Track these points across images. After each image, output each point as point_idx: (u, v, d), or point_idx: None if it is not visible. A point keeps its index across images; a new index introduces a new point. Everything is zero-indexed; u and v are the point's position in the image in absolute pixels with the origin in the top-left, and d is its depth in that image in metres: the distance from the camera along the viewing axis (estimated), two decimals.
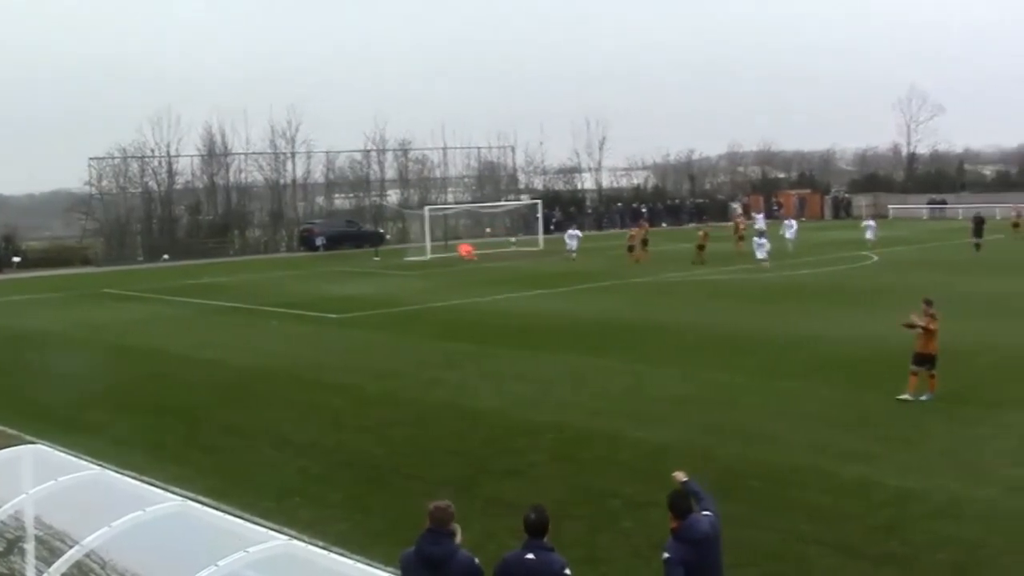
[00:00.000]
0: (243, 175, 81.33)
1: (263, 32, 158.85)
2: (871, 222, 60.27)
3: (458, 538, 8.57)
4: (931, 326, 19.46)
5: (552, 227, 79.88)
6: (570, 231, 60.17)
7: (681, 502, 8.93)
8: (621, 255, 52.32)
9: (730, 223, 71.67)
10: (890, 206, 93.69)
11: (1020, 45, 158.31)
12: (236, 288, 47.88)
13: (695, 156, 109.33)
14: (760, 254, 47.65)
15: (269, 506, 14.63)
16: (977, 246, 51.72)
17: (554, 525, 8.65)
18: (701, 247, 50.76)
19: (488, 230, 78.56)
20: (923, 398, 19.18)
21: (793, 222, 59.25)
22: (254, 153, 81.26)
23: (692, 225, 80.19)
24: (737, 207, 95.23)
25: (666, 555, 8.66)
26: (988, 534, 12.63)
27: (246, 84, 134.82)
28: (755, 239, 49.75)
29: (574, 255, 55.73)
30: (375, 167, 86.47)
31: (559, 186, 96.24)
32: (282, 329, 33.29)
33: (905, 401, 19.19)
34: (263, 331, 33.05)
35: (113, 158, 76.50)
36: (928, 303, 19.77)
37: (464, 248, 61.55)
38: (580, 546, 12.00)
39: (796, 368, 23.38)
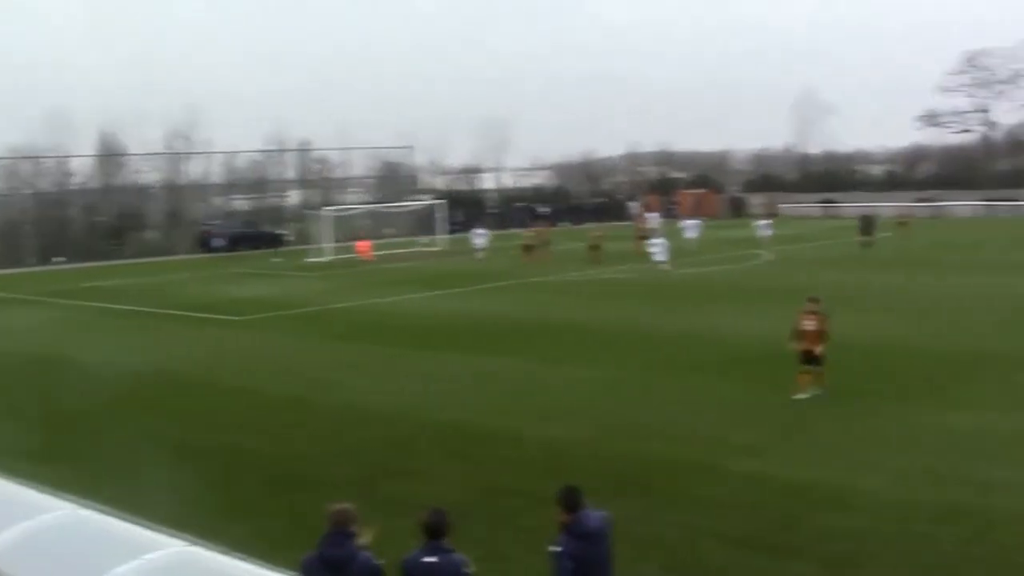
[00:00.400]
0: (139, 175, 79.98)
1: (163, 32, 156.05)
2: (765, 221, 60.80)
3: (367, 540, 8.58)
4: (822, 326, 19.80)
5: (454, 228, 79.93)
6: (476, 230, 59.91)
7: (571, 497, 8.97)
8: (521, 255, 52.51)
9: (627, 223, 72.65)
10: (783, 205, 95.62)
11: (908, 50, 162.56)
12: (132, 291, 46.98)
13: (595, 156, 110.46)
14: (658, 256, 46.79)
15: (166, 512, 14.39)
16: (866, 244, 52.98)
17: (455, 524, 8.69)
18: (595, 247, 51.18)
19: (390, 231, 78.29)
20: (807, 395, 19.50)
21: (695, 222, 59.60)
22: (151, 154, 79.92)
23: (592, 225, 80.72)
24: (636, 206, 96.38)
25: (556, 549, 8.70)
26: (876, 524, 12.99)
27: (144, 83, 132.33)
28: (647, 241, 49.46)
29: (481, 254, 55.57)
30: (275, 168, 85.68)
31: (461, 186, 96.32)
32: (179, 332, 32.79)
33: (800, 400, 19.46)
34: (163, 335, 32.51)
35: (3, 159, 74.61)
36: (814, 301, 20.07)
37: (361, 246, 61.23)
38: (481, 545, 12.04)
39: (692, 365, 23.77)
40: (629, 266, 48.02)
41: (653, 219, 66.58)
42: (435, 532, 8.51)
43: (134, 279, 53.27)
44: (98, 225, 76.81)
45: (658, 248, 47.22)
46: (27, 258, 71.52)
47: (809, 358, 19.61)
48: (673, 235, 56.01)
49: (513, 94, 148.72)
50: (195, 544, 9.37)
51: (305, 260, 60.16)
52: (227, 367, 25.96)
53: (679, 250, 52.26)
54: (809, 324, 19.59)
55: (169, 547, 8.13)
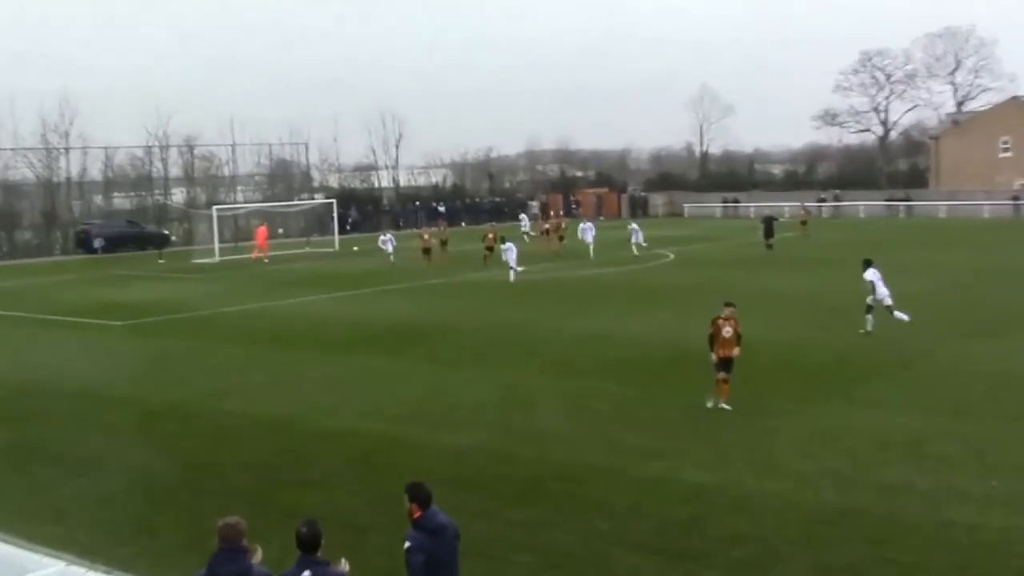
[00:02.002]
0: (12, 172, 77.96)
1: (34, 18, 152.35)
2: (634, 225, 57.60)
3: (258, 557, 8.51)
4: (737, 329, 19.90)
5: (348, 227, 79.51)
6: (383, 237, 56.45)
7: (423, 492, 9.19)
8: (419, 257, 52.46)
9: (521, 222, 73.22)
10: (686, 204, 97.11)
11: (807, 50, 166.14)
12: (5, 295, 45.83)
13: (494, 154, 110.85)
14: (511, 262, 43.39)
15: (45, 531, 14.13)
16: (769, 246, 54.00)
17: (355, 536, 8.73)
18: (490, 248, 51.10)
19: (281, 231, 77.56)
20: (724, 406, 19.42)
21: (591, 224, 57.98)
22: (23, 148, 77.97)
23: (489, 224, 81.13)
24: (535, 205, 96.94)
25: (407, 544, 8.91)
26: (781, 527, 13.31)
27: (13, 70, 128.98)
28: (502, 246, 45.48)
29: (392, 258, 53.25)
30: (158, 164, 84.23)
31: (355, 184, 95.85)
32: (57, 338, 32.12)
33: (719, 409, 19.35)
34: (37, 341, 31.80)
35: None
36: (731, 305, 19.98)
37: (260, 234, 60.67)
38: (383, 556, 12.06)
39: (590, 367, 24.10)
40: (530, 267, 48.28)
41: (524, 221, 67.17)
42: (309, 545, 8.54)
43: (6, 282, 51.95)
44: None
45: (511, 254, 43.74)
46: None
47: (727, 364, 19.62)
48: (572, 235, 56.58)
49: (409, 89, 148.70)
50: (76, 564, 9.27)
51: (192, 261, 59.34)
52: (109, 375, 25.48)
53: (575, 252, 52.82)
54: (728, 330, 19.63)
55: (50, 567, 8.02)
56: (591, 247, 54.17)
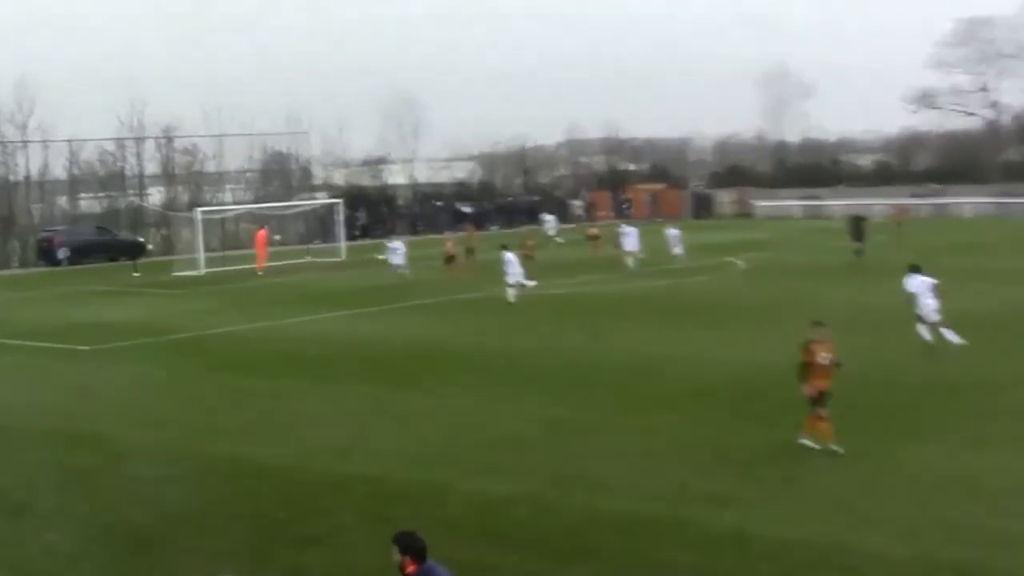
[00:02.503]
0: None
1: None
2: (674, 230, 56.43)
3: None
4: (835, 354, 19.40)
5: (357, 232, 79.64)
6: (392, 243, 54.68)
7: (414, 542, 9.36)
8: (441, 267, 52.47)
9: (570, 225, 73.11)
10: (757, 203, 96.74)
11: (896, 18, 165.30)
12: None
13: (529, 144, 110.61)
14: (512, 278, 41.81)
15: None
16: (858, 252, 53.56)
17: None
18: (529, 257, 50.98)
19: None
20: (829, 447, 19.01)
21: (632, 229, 56.09)
22: None
23: (528, 227, 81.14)
24: (578, 205, 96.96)
25: None
26: None
27: None
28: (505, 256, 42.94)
29: (403, 272, 51.92)
30: (132, 160, 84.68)
31: (364, 181, 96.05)
32: (14, 366, 32.29)
33: (828, 450, 18.99)
34: None
35: None
36: (821, 325, 19.59)
37: (260, 238, 61.02)
38: None
39: (648, 400, 23.97)
40: (575, 279, 48.19)
41: (550, 222, 67.10)
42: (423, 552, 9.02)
43: None
44: None
45: (513, 270, 42.04)
46: None
47: (823, 398, 19.16)
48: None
49: (426, 71, 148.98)
50: None
51: (173, 274, 59.55)
52: (78, 411, 25.57)
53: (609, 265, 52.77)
54: (825, 357, 19.20)
55: None
56: (633, 257, 53.46)
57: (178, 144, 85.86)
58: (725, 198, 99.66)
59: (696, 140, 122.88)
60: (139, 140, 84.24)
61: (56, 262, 70.01)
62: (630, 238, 54.56)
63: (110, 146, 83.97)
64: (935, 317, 27.75)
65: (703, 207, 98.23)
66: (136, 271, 62.56)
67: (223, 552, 15.26)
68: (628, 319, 36.34)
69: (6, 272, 70.80)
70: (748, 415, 21.93)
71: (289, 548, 15.49)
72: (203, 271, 60.07)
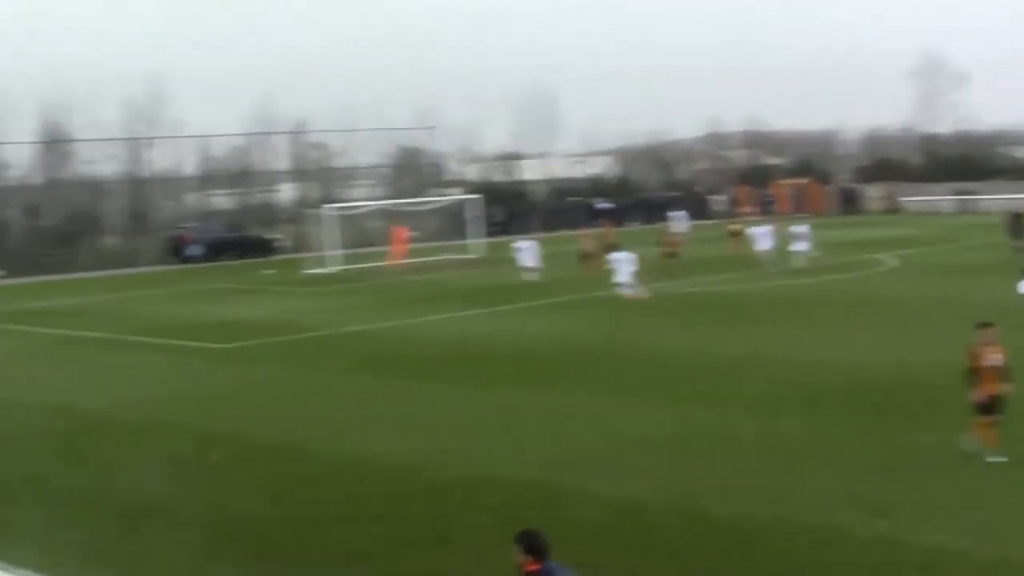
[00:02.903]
0: (93, 167, 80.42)
1: None
2: (801, 227, 54.05)
3: None
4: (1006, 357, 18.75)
5: (495, 228, 79.83)
6: (520, 244, 54.45)
7: (536, 541, 9.45)
8: (577, 264, 52.46)
9: (711, 221, 72.49)
10: (906, 198, 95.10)
11: None
12: (87, 312, 47.35)
13: (668, 138, 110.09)
14: (620, 277, 41.77)
15: None
16: (1018, 249, 52.28)
17: None
18: (671, 254, 50.68)
19: (416, 233, 78.56)
20: (1000, 457, 18.31)
21: (765, 229, 55.09)
22: (106, 139, 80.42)
23: (666, 224, 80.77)
24: (719, 200, 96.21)
25: None
26: None
27: (94, 50, 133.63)
28: (614, 255, 43.60)
29: (533, 275, 51.47)
30: (262, 156, 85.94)
31: (498, 177, 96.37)
32: (145, 364, 32.97)
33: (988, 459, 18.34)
34: (127, 367, 32.69)
35: None
36: (988, 326, 18.78)
37: (399, 236, 61.62)
38: None
39: (793, 400, 23.65)
40: (718, 276, 47.85)
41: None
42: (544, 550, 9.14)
43: (89, 297, 53.75)
44: (42, 230, 77.35)
45: (623, 267, 42.08)
46: None
47: (994, 404, 18.39)
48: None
49: (562, 64, 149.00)
50: None
51: (303, 272, 60.39)
52: (209, 408, 26.08)
53: (743, 263, 52.16)
54: (994, 359, 18.58)
55: None
56: (767, 255, 52.44)
57: (309, 139, 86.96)
58: (873, 193, 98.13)
59: (842, 133, 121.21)
60: (270, 135, 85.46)
61: (186, 259, 71.44)
62: (763, 237, 54.04)
63: (240, 142, 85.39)
64: None
65: (849, 202, 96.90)
66: (267, 269, 63.58)
67: (356, 551, 15.39)
68: (768, 318, 35.94)
69: (137, 270, 72.43)
70: (900, 418, 21.48)
71: (423, 549, 15.55)
72: (334, 269, 60.76)
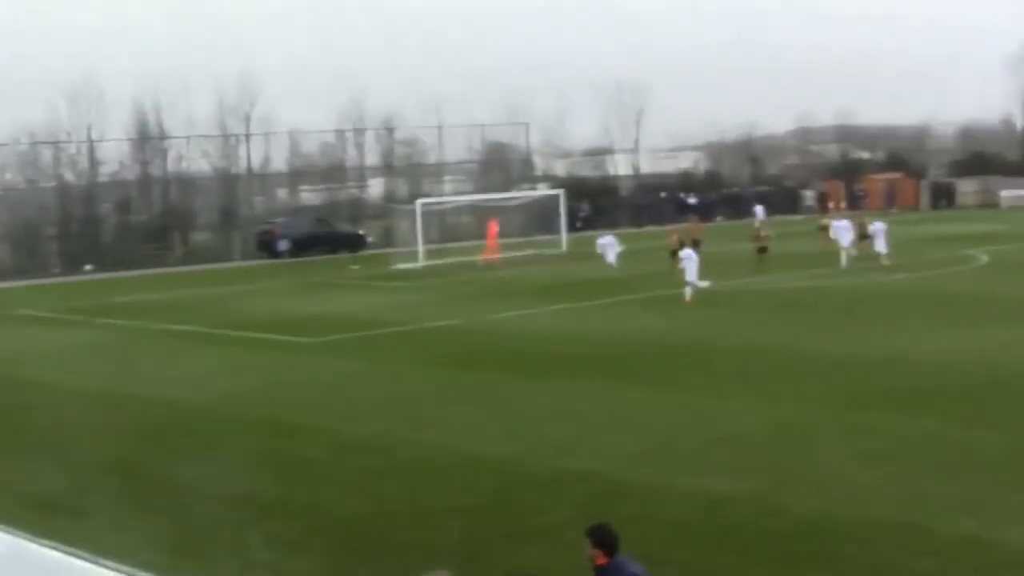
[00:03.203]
0: (185, 163, 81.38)
1: None
2: (879, 224, 51.67)
3: None
4: None
5: (579, 223, 79.82)
6: (603, 239, 55.47)
7: (610, 536, 9.58)
8: (664, 259, 52.29)
9: (801, 216, 71.87)
10: (1003, 193, 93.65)
11: None
12: (178, 306, 47.95)
13: (757, 133, 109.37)
14: (689, 276, 40.84)
15: None
16: None
17: None
18: (762, 249, 50.43)
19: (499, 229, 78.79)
20: None
21: (844, 222, 53.39)
22: (198, 136, 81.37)
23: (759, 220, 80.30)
24: (809, 195, 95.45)
25: None
26: None
27: (186, 46, 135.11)
28: (682, 253, 43.16)
29: (615, 267, 52.98)
30: (352, 151, 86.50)
31: (586, 172, 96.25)
32: (235, 358, 33.40)
33: None
34: (216, 361, 33.13)
35: (19, 144, 76.54)
36: None
37: (492, 230, 61.81)
38: None
39: (881, 398, 23.50)
40: (805, 272, 47.51)
41: (759, 212, 65.45)
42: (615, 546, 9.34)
43: (180, 291, 54.42)
44: (135, 225, 78.41)
45: (691, 266, 41.12)
46: (51, 266, 73.41)
47: None
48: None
49: (649, 58, 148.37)
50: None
51: (392, 267, 60.75)
52: (296, 401, 26.37)
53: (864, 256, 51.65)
54: None
55: None
56: (847, 252, 50.81)
57: (398, 135, 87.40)
58: (967, 188, 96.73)
59: (936, 127, 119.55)
60: (359, 132, 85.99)
61: (276, 254, 72.06)
62: (844, 232, 52.45)
63: (330, 138, 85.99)
64: None
65: (943, 197, 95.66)
66: (356, 263, 64.04)
67: (440, 546, 15.55)
68: (856, 315, 35.67)
69: (228, 264, 73.21)
70: (988, 416, 21.30)
71: (506, 544, 15.67)
72: (422, 264, 61.05)
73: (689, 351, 30.38)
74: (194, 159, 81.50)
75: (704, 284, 41.29)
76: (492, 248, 62.16)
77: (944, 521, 15.59)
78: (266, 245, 74.01)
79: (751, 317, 36.14)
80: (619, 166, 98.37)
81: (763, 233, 52.69)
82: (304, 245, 73.34)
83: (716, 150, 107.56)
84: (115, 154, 79.48)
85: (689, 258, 41.19)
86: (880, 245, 49.97)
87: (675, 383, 26.13)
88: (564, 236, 69.17)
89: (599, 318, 37.55)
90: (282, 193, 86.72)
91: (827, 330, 32.66)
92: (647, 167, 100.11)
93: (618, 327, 35.28)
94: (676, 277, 47.22)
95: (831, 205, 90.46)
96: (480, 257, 61.50)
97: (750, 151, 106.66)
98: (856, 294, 40.85)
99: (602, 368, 28.58)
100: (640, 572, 9.56)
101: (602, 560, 9.45)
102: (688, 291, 40.10)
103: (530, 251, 66.02)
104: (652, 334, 33.55)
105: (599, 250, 53.98)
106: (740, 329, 33.70)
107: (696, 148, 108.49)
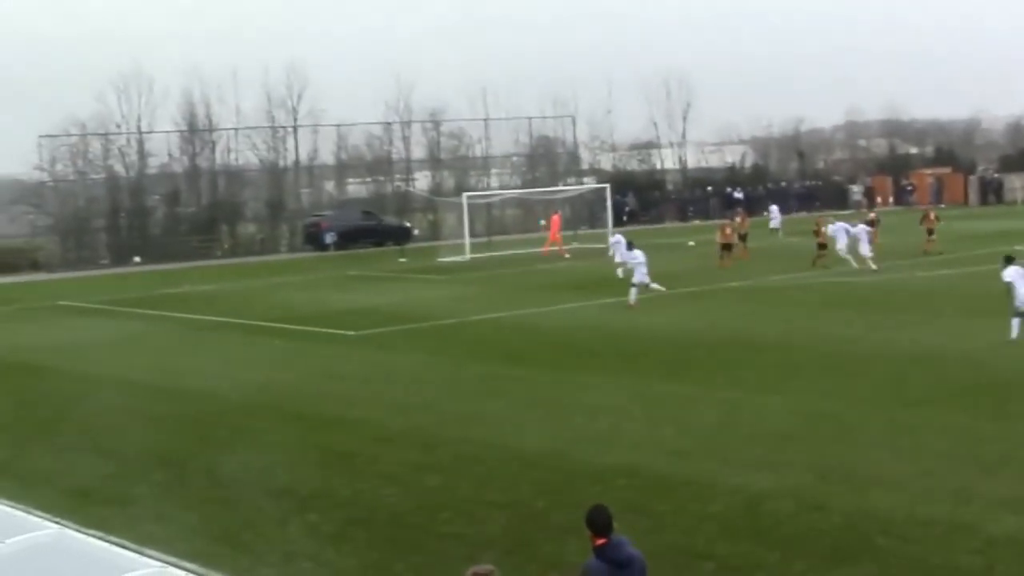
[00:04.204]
0: (233, 155, 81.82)
1: None
2: (862, 227, 49.60)
3: None
4: None
5: (625, 217, 79.75)
6: (612, 239, 52.26)
7: (603, 518, 9.87)
8: (710, 254, 52.11)
9: (849, 211, 71.38)
10: None
11: None
12: (226, 298, 48.26)
13: (805, 127, 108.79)
14: (637, 277, 39.25)
15: (269, 573, 14.81)
16: None
17: None
18: (822, 245, 49.21)
19: (543, 222, 78.63)
20: None
21: (839, 224, 50.04)
22: (247, 128, 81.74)
23: (804, 214, 79.89)
24: (859, 191, 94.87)
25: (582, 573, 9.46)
26: None
27: (235, 39, 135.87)
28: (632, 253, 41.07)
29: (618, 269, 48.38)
30: (399, 144, 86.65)
31: (632, 166, 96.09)
32: (284, 350, 33.56)
33: None
34: (260, 353, 33.32)
35: (69, 136, 77.03)
36: None
37: (555, 223, 61.95)
38: None
39: (924, 393, 23.44)
40: (849, 266, 47.22)
41: (774, 213, 65.41)
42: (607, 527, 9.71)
43: (228, 284, 54.77)
44: (183, 217, 78.86)
45: (639, 267, 39.73)
46: (99, 258, 73.96)
47: None
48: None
49: (696, 52, 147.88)
50: (174, 566, 10.01)
51: (438, 260, 60.87)
52: (342, 394, 26.48)
53: (898, 251, 51.30)
54: None
55: (145, 568, 9.03)
56: (869, 255, 47.70)
57: (445, 128, 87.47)
58: (1017, 183, 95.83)
59: (985, 122, 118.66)
60: (406, 124, 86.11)
61: (323, 247, 72.33)
62: (838, 232, 49.30)
63: (377, 131, 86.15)
64: None
65: (992, 193, 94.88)
66: (402, 256, 64.17)
67: (481, 540, 15.58)
68: (897, 310, 35.38)
69: (275, 256, 73.61)
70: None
71: (547, 538, 15.69)
72: (468, 257, 61.11)
73: (730, 346, 30.24)
74: (242, 151, 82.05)
75: (656, 287, 40.21)
76: (555, 241, 62.20)
77: (988, 519, 15.49)
78: (313, 238, 74.33)
79: (796, 312, 35.94)
80: (665, 160, 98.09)
81: (727, 231, 51.67)
82: (351, 238, 73.61)
83: (763, 144, 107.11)
84: (164, 146, 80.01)
85: (638, 259, 39.77)
86: (864, 249, 47.90)
87: (717, 378, 26.03)
88: (610, 230, 69.09)
89: (642, 312, 37.44)
90: (329, 186, 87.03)
91: (868, 325, 32.42)
92: (693, 161, 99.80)
93: (661, 321, 35.20)
94: (723, 272, 47.19)
95: (879, 200, 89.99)
96: (543, 249, 61.53)
97: (797, 146, 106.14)
98: (898, 289, 40.58)
99: (646, 363, 28.53)
100: (635, 554, 9.81)
101: (600, 541, 9.73)
102: (633, 293, 39.02)
103: (576, 245, 65.99)
104: (694, 328, 33.48)
105: (610, 250, 52.07)
106: (785, 324, 33.55)
107: (743, 142, 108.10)
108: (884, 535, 15.06)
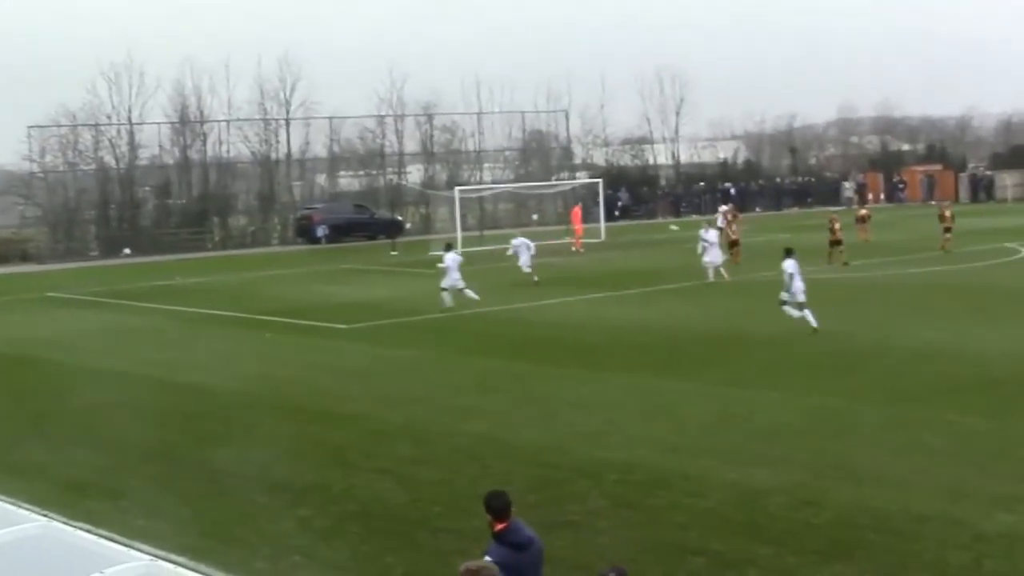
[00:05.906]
0: (225, 147, 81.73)
1: None
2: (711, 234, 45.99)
3: None
4: None
5: (617, 212, 79.77)
6: (515, 240, 48.57)
7: (499, 501, 10.04)
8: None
9: (840, 208, 71.39)
10: None
11: None
12: (217, 291, 48.21)
13: (797, 123, 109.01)
14: (447, 282, 38.67)
15: (262, 567, 14.78)
16: None
17: None
18: (837, 241, 48.72)
19: (535, 216, 78.57)
20: None
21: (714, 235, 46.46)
22: (238, 120, 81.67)
23: (796, 210, 79.99)
24: (849, 187, 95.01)
25: (487, 559, 9.45)
26: None
27: (226, 31, 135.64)
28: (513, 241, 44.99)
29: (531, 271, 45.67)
30: (391, 137, 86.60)
31: (625, 161, 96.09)
32: (276, 343, 33.52)
33: None
34: (252, 346, 33.29)
35: (59, 126, 76.94)
36: None
37: (576, 216, 61.99)
38: None
39: (920, 390, 23.43)
40: (851, 262, 47.28)
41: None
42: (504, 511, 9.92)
43: (218, 276, 54.76)
44: (174, 209, 78.75)
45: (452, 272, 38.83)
46: (89, 250, 73.85)
47: None
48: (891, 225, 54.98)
49: (691, 44, 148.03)
50: (163, 559, 10.02)
51: (430, 253, 60.74)
52: (334, 388, 26.46)
53: (892, 246, 51.30)
54: None
55: (134, 561, 9.02)
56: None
57: (438, 121, 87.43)
58: (1007, 180, 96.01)
59: (976, 119, 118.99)
60: (399, 117, 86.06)
61: (315, 240, 72.34)
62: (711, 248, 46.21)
63: (370, 123, 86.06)
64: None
65: (982, 190, 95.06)
66: (394, 250, 64.15)
67: (475, 534, 15.55)
68: (894, 306, 35.52)
69: (267, 249, 73.60)
70: (1021, 408, 21.18)
71: (541, 533, 15.45)
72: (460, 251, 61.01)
73: (726, 342, 30.27)
74: (234, 143, 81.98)
75: (471, 294, 38.78)
76: (578, 233, 62.13)
77: (980, 515, 15.52)
78: (304, 231, 74.34)
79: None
80: (658, 155, 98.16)
81: (732, 228, 51.56)
82: (342, 231, 73.61)
83: (755, 140, 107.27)
84: (155, 138, 79.97)
85: (451, 264, 38.75)
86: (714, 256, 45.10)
87: (712, 373, 26.03)
88: (603, 225, 69.11)
89: (634, 307, 37.48)
90: (321, 179, 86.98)
91: (864, 322, 32.47)
92: (686, 156, 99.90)
93: (654, 316, 35.22)
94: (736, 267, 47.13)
95: (870, 197, 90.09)
96: (572, 241, 61.37)
97: (790, 142, 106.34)
98: (894, 285, 40.59)
99: (640, 358, 28.50)
100: (532, 536, 10.09)
101: (500, 526, 9.94)
102: (446, 296, 38.52)
103: (567, 239, 65.97)
104: (687, 323, 33.48)
105: (511, 251, 48.92)
106: (779, 320, 33.52)
107: (736, 138, 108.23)
108: (877, 531, 15.09)
